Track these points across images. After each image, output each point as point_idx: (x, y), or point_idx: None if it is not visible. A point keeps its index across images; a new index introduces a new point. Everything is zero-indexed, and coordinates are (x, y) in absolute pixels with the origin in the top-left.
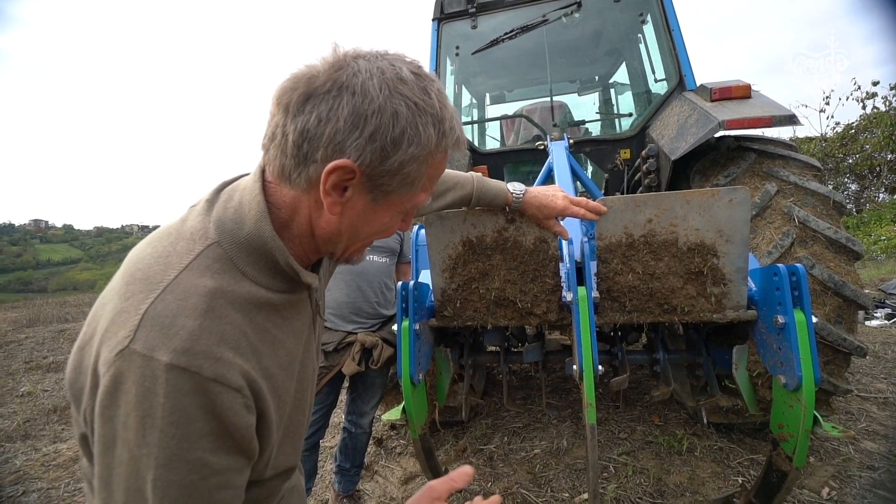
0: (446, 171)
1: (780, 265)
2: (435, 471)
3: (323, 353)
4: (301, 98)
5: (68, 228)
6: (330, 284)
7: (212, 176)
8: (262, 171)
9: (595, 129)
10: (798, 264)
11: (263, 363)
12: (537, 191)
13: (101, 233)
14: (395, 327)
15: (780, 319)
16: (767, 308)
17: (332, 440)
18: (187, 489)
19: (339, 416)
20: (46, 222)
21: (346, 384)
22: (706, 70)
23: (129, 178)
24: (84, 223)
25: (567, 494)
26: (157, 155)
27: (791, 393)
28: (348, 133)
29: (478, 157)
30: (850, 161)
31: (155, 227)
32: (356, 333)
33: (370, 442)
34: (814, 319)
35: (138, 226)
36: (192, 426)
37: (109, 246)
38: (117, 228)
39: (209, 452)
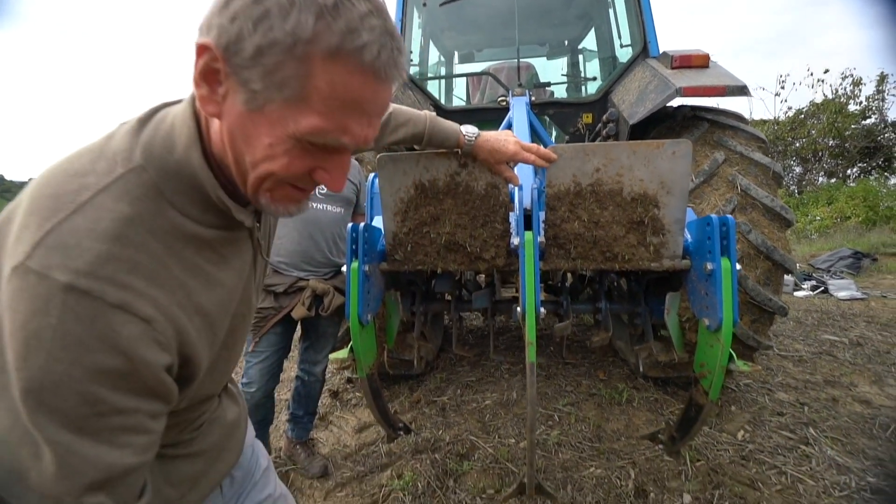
0: (399, 107)
1: (713, 216)
2: (382, 410)
3: (272, 294)
4: None
5: None
6: (281, 233)
7: None
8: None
9: (560, 93)
10: (729, 216)
11: (195, 299)
12: (490, 135)
13: None
14: (344, 269)
15: (709, 266)
16: (699, 258)
17: (286, 393)
18: (77, 421)
19: (293, 370)
20: None
21: (299, 334)
22: (680, 43)
23: (70, 123)
24: (17, 173)
25: (513, 440)
26: (103, 100)
27: (713, 334)
28: (218, 14)
29: (442, 115)
30: (797, 145)
31: None
32: (308, 279)
33: (326, 394)
34: (737, 267)
35: None
36: (86, 355)
37: None
38: None
39: (109, 389)
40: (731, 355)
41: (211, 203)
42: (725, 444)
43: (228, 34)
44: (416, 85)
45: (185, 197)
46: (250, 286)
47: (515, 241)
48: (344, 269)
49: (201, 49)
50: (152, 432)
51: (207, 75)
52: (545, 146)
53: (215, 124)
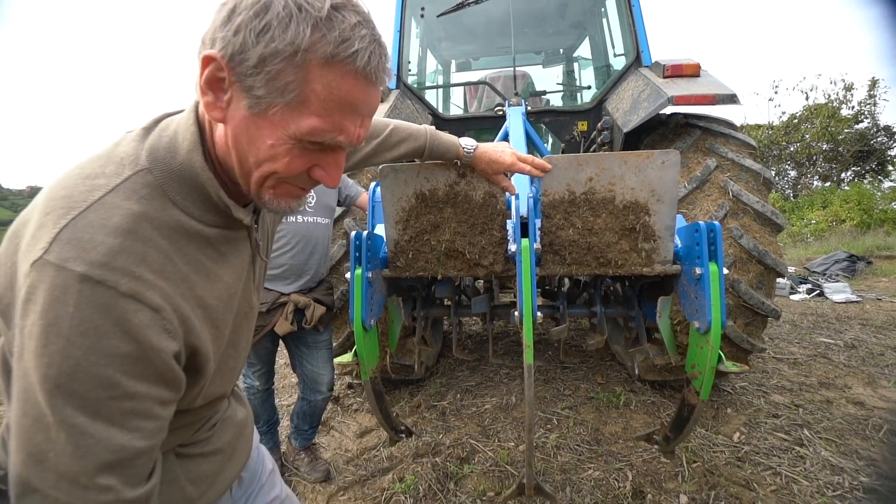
0: (399, 122)
1: (700, 222)
2: (385, 413)
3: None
4: (216, 10)
5: None
6: (276, 246)
7: None
8: (197, 102)
9: (556, 101)
10: (715, 222)
11: (197, 292)
12: (487, 146)
13: (34, 193)
14: (347, 275)
15: (698, 271)
16: (689, 262)
17: (289, 398)
18: (93, 404)
19: (293, 377)
20: None
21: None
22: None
23: (68, 133)
24: (15, 182)
25: (513, 444)
26: (101, 109)
27: (702, 336)
28: (221, 27)
29: (440, 124)
30: (792, 149)
31: None
32: (289, 294)
33: None
34: (725, 272)
35: None
36: (102, 341)
37: None
38: None
39: (123, 374)
40: (720, 356)
41: (212, 203)
42: (721, 446)
43: (233, 45)
44: (415, 94)
45: (188, 197)
46: (250, 285)
47: (513, 247)
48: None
49: (206, 60)
50: (160, 418)
51: (212, 83)
52: (541, 155)
53: (219, 129)
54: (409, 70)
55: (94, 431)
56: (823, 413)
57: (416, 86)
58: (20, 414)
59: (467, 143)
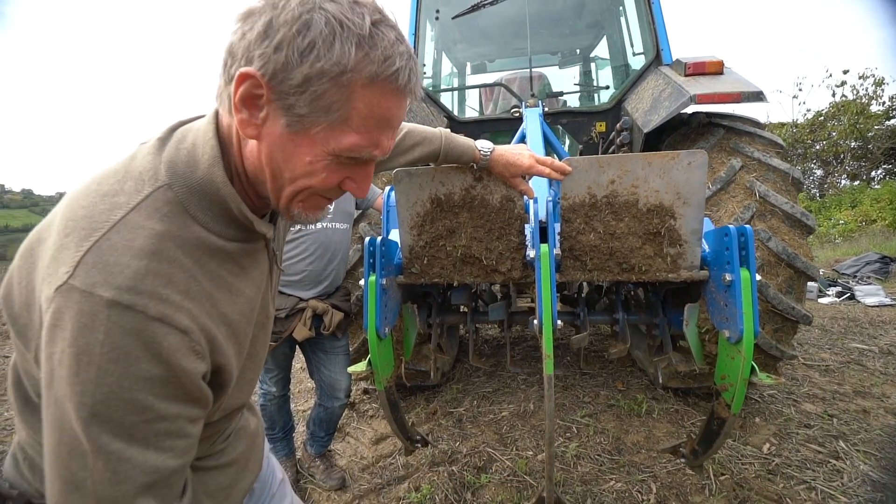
0: (413, 126)
1: (730, 226)
2: (400, 423)
3: (275, 318)
4: (239, 18)
5: (27, 193)
6: (294, 252)
7: None
8: (217, 112)
9: (573, 102)
10: (747, 226)
11: (221, 309)
12: (504, 149)
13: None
14: (361, 281)
15: (728, 277)
16: (718, 268)
17: (305, 403)
18: (128, 429)
19: (309, 382)
20: (2, 186)
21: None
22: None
23: (96, 140)
24: (45, 188)
25: (531, 452)
26: (128, 116)
27: (733, 346)
28: (258, 43)
29: (456, 126)
30: (818, 147)
31: None
32: (307, 301)
33: None
34: (757, 277)
35: None
36: (134, 366)
37: None
38: None
39: (155, 397)
40: (753, 367)
41: (232, 217)
42: (750, 458)
43: (275, 63)
44: (430, 97)
45: (208, 212)
46: (267, 295)
47: (531, 253)
48: (354, 287)
49: (243, 77)
50: (191, 436)
51: (248, 101)
52: (559, 157)
53: (250, 144)
54: (424, 73)
55: (130, 456)
56: (860, 424)
57: (431, 88)
58: (55, 442)
59: (484, 145)
